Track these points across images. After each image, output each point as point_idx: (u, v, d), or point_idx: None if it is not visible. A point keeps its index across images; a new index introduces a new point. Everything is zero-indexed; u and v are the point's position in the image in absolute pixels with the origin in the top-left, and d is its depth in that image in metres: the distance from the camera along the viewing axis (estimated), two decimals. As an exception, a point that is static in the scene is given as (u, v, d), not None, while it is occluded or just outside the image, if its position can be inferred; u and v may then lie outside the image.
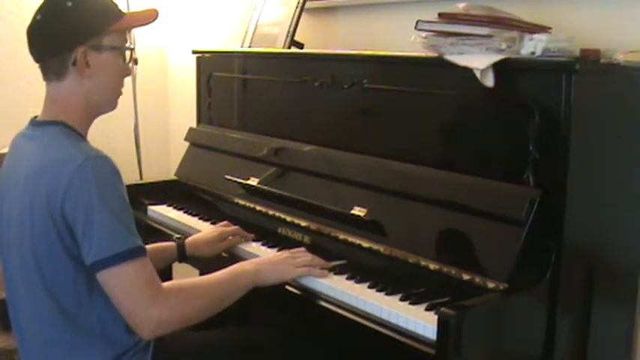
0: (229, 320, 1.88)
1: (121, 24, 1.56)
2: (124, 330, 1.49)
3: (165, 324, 1.44)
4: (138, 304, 1.40)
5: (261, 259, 1.68)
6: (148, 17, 1.63)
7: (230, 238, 1.93)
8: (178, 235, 1.97)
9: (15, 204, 1.49)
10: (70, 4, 1.49)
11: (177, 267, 1.98)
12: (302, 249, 1.74)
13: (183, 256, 1.90)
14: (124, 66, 1.60)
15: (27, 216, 1.44)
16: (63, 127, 1.50)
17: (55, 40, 1.50)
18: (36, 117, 1.58)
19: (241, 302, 1.59)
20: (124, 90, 1.63)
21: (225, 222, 2.00)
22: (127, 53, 1.60)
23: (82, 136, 1.54)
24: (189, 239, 1.93)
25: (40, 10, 1.51)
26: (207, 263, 1.93)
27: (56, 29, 1.50)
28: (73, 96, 1.52)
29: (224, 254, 1.91)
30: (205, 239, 1.92)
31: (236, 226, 1.96)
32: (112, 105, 1.61)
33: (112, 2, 1.58)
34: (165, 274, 2.02)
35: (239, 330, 1.97)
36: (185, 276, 2.15)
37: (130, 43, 1.63)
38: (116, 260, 1.39)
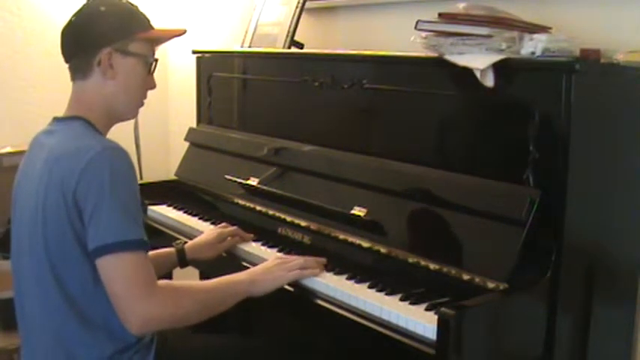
0: (231, 324, 1.88)
1: (147, 33, 1.61)
2: None
3: (153, 321, 1.44)
4: (131, 296, 1.41)
5: (255, 268, 1.67)
6: (176, 32, 1.70)
7: (229, 238, 1.93)
8: (178, 241, 1.97)
9: (29, 193, 1.50)
10: (102, 8, 1.57)
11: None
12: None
13: (183, 261, 1.91)
14: (147, 77, 1.63)
15: (40, 202, 1.46)
16: (84, 122, 1.55)
17: (83, 40, 1.57)
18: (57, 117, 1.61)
19: (242, 306, 1.59)
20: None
21: (223, 224, 2.00)
22: (152, 66, 1.64)
23: (101, 134, 1.58)
24: (188, 244, 1.93)
25: (76, 13, 1.59)
26: (208, 264, 1.94)
27: (86, 30, 1.57)
28: (96, 96, 1.57)
29: (224, 254, 1.92)
30: (205, 242, 1.92)
31: (234, 227, 1.96)
32: (131, 113, 1.66)
33: (143, 14, 1.63)
34: (166, 275, 2.02)
35: (240, 334, 1.97)
36: (186, 275, 2.15)
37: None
38: (117, 248, 1.40)
